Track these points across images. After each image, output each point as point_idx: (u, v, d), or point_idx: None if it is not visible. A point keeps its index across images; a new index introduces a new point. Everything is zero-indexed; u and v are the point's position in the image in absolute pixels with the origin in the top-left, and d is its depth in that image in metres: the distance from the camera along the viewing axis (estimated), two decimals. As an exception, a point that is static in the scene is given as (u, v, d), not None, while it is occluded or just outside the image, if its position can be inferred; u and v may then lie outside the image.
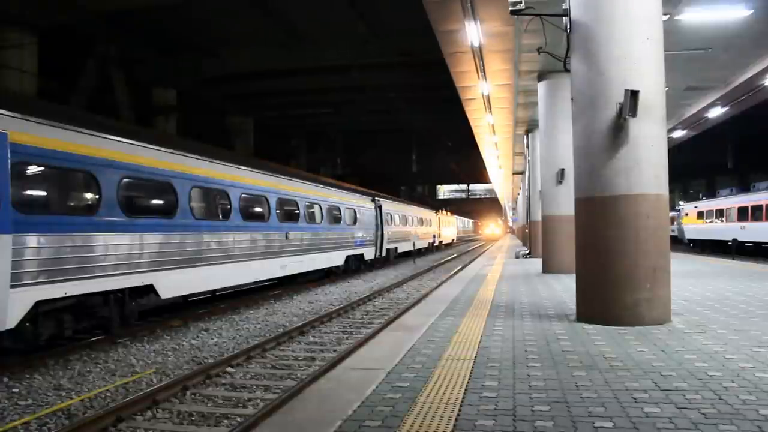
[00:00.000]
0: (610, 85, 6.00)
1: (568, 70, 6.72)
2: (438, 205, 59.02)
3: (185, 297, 10.76)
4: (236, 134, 40.87)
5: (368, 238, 21.03)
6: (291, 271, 14.05)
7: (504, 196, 63.36)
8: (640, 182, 5.94)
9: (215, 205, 10.98)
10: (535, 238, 19.42)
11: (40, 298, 6.75)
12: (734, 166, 57.59)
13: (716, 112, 17.98)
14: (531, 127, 20.35)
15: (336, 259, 17.45)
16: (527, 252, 20.81)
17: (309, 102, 41.11)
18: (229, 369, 6.96)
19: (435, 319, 6.73)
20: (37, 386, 6.22)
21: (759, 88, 14.87)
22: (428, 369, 4.38)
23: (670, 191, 6.58)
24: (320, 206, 16.26)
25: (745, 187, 30.55)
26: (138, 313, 9.10)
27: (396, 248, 25.77)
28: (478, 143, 28.01)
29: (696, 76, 13.95)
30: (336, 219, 17.57)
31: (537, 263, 15.02)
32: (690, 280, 10.47)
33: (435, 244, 37.23)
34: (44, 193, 7.43)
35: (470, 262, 21.96)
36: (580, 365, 4.39)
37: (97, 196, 7.82)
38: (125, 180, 8.33)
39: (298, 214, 14.60)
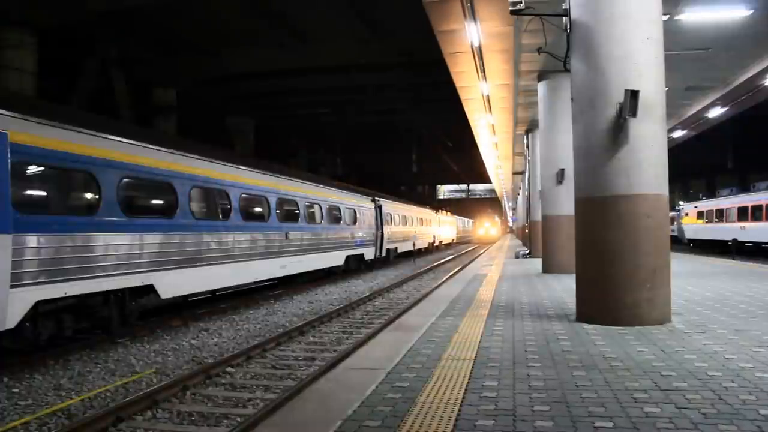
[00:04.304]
0: (610, 85, 6.00)
1: (568, 70, 6.72)
2: (438, 205, 58.99)
3: (185, 297, 10.76)
4: (236, 134, 40.85)
5: (368, 238, 21.03)
6: (291, 271, 14.05)
7: (504, 196, 63.35)
8: (640, 182, 5.94)
9: (215, 205, 10.98)
10: (535, 238, 19.41)
11: (40, 298, 6.75)
12: (734, 166, 57.55)
13: (716, 112, 17.96)
14: (531, 127, 20.33)
15: (336, 259, 17.44)
16: (527, 252, 20.81)
17: (309, 102, 41.07)
18: (229, 369, 6.96)
19: (435, 319, 6.72)
20: (37, 386, 6.22)
21: (759, 88, 14.86)
22: (428, 369, 4.38)
23: (670, 191, 6.57)
24: (320, 206, 16.26)
25: (745, 187, 30.54)
26: (138, 313, 9.11)
27: (396, 248, 25.77)
28: (478, 143, 28.00)
29: (696, 76, 13.93)
30: (336, 219, 17.57)
31: (537, 263, 15.02)
32: (690, 280, 10.47)
33: (435, 244, 37.24)
34: (44, 193, 7.43)
35: (470, 262, 21.97)
36: (580, 365, 4.39)
37: (97, 196, 7.82)
38: (125, 180, 8.33)
39: (298, 214, 14.60)
